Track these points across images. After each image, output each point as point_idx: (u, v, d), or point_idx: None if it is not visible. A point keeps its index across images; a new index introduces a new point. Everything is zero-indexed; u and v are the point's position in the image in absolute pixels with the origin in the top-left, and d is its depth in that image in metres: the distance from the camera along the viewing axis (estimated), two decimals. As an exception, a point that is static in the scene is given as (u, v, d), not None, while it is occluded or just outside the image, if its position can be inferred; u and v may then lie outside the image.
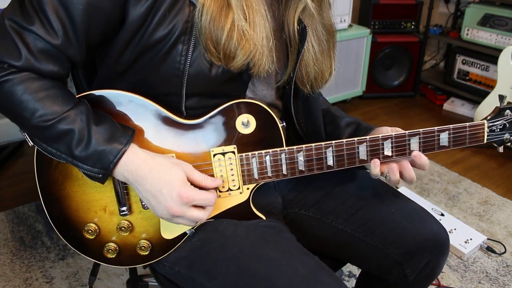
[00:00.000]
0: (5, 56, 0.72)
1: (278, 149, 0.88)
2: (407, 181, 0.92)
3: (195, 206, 0.81)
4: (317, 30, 0.92)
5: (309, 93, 0.97)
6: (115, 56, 0.83)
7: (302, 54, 0.91)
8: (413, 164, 0.91)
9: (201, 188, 0.82)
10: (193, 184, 0.81)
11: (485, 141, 0.93)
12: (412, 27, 3.17)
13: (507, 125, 0.92)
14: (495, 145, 0.94)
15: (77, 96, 0.81)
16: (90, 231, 0.88)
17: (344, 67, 2.93)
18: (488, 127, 0.92)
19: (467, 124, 0.90)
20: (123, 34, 0.79)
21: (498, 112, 0.92)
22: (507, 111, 0.91)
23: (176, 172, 0.79)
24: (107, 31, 0.79)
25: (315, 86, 0.96)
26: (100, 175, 0.79)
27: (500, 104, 0.92)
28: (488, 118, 0.92)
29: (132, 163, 0.78)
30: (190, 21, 0.78)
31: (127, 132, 0.80)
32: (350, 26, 2.92)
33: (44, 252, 1.79)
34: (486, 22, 2.80)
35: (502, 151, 0.94)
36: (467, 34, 2.92)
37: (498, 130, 0.92)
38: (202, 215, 0.81)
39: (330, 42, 0.95)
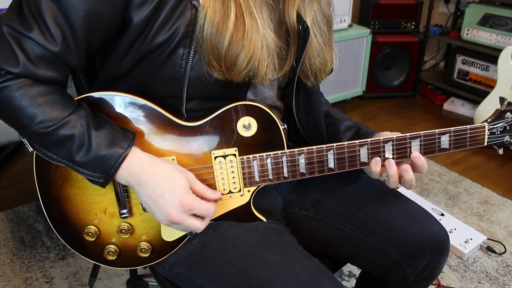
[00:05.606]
0: (2, 62, 0.71)
1: (279, 152, 0.88)
2: (407, 185, 0.90)
3: (194, 215, 0.81)
4: (318, 21, 0.91)
5: (312, 86, 0.96)
6: (116, 60, 0.82)
7: (306, 50, 0.90)
8: (412, 166, 0.90)
9: (201, 198, 0.82)
10: (194, 193, 0.81)
11: (485, 144, 0.93)
12: (412, 27, 3.16)
13: (508, 128, 0.92)
14: (495, 147, 0.94)
15: (76, 99, 0.81)
16: (90, 233, 0.88)
17: (344, 67, 2.92)
18: (489, 130, 0.92)
19: (468, 126, 0.90)
20: (125, 39, 0.79)
21: (498, 115, 0.92)
22: (508, 113, 0.92)
23: (179, 179, 0.79)
24: (107, 37, 0.79)
25: (319, 76, 0.95)
26: (102, 180, 0.79)
27: (501, 106, 0.93)
28: (489, 120, 0.92)
29: (135, 167, 0.78)
30: (191, 25, 0.78)
31: (128, 135, 0.80)
32: (350, 26, 2.92)
33: (44, 252, 1.79)
34: (486, 22, 2.80)
35: (502, 153, 0.94)
36: (467, 34, 2.92)
37: (498, 132, 0.93)
38: (199, 225, 0.82)
39: (330, 32, 0.94)
